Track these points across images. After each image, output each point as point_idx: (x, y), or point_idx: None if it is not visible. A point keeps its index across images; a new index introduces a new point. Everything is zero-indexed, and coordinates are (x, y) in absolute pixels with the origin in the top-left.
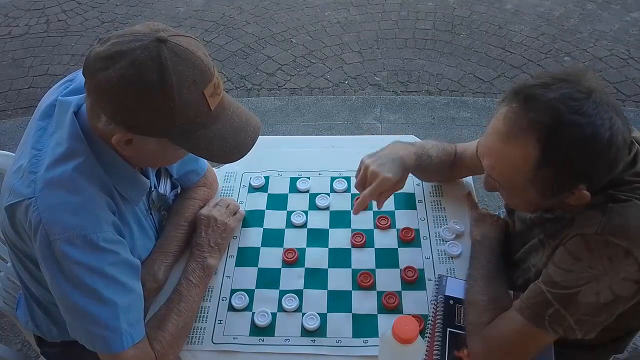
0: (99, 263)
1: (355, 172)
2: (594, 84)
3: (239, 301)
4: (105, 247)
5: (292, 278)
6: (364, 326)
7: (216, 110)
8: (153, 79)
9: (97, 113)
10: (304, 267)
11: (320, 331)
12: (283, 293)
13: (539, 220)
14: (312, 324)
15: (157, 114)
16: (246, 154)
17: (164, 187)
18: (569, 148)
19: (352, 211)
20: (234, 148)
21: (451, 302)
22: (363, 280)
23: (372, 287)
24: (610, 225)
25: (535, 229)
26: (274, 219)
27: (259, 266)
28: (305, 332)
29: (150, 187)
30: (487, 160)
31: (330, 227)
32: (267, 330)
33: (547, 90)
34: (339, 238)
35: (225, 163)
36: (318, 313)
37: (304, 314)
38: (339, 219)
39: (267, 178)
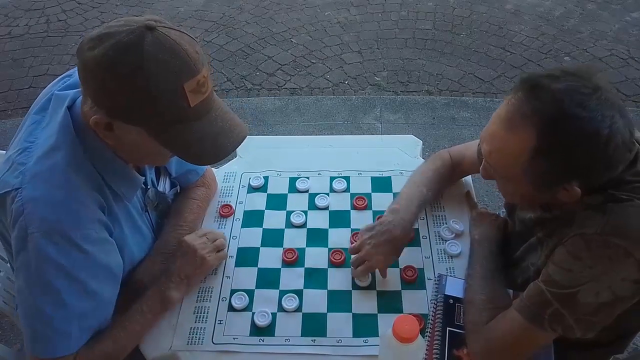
0: (70, 264)
1: (351, 240)
2: (602, 82)
3: (239, 301)
4: (83, 246)
5: (292, 278)
6: (364, 326)
7: (197, 109)
8: (130, 63)
9: (85, 95)
10: (303, 267)
11: (321, 331)
12: (283, 293)
13: (539, 221)
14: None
15: (133, 98)
16: (223, 158)
17: (163, 186)
18: (567, 140)
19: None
20: (210, 151)
21: (451, 301)
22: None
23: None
24: (610, 225)
25: (534, 229)
26: (274, 219)
27: (258, 266)
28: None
29: (146, 184)
30: (486, 145)
31: (329, 227)
32: (267, 330)
33: (553, 82)
34: (339, 238)
35: (201, 165)
36: (318, 312)
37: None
38: (339, 218)
39: (266, 178)
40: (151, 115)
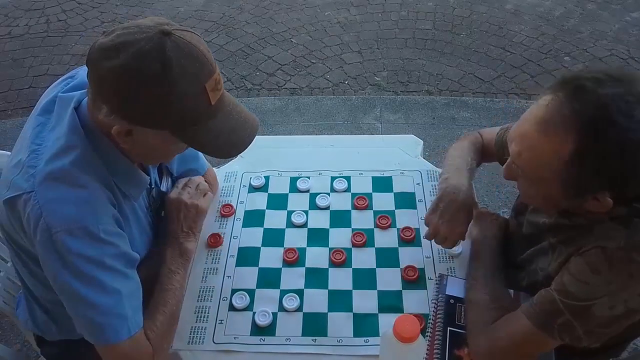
0: (99, 255)
1: (426, 232)
2: None
3: (240, 301)
4: (106, 238)
5: (293, 278)
6: (364, 325)
7: (216, 106)
8: (156, 70)
9: (99, 104)
10: (304, 266)
11: (321, 331)
12: (284, 293)
13: (555, 226)
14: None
15: (157, 105)
16: (243, 150)
17: (166, 185)
18: (608, 149)
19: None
20: (231, 144)
21: (452, 301)
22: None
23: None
24: (633, 240)
25: (546, 234)
26: (275, 219)
27: (259, 266)
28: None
29: (151, 184)
30: (515, 145)
31: (330, 227)
32: (268, 330)
33: (598, 86)
34: (340, 238)
35: (222, 158)
36: (319, 312)
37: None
38: (339, 218)
39: (267, 178)
40: (176, 118)
